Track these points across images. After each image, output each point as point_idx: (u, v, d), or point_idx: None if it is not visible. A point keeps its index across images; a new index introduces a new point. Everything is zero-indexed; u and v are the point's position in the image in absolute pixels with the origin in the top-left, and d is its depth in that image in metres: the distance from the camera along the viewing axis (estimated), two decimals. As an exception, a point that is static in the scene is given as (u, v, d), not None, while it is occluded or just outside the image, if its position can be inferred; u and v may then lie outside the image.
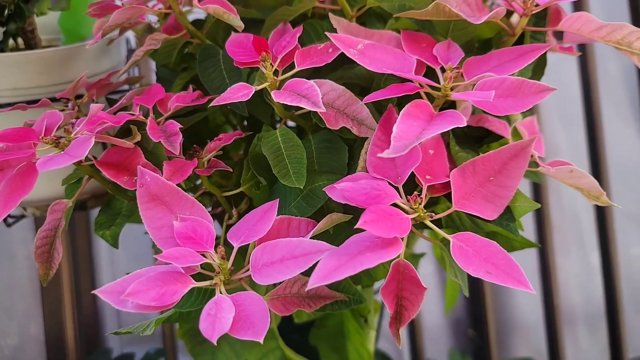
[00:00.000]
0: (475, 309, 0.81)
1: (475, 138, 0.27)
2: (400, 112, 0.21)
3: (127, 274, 0.22)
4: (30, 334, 0.78)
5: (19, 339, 0.76)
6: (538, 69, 0.26)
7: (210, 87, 0.29)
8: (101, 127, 0.23)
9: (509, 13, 0.28)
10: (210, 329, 0.19)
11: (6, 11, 0.40)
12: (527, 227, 0.86)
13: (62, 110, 0.31)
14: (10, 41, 0.42)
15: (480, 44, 0.29)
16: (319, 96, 0.22)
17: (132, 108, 0.27)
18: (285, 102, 0.23)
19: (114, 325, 0.85)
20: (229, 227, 0.28)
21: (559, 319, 0.82)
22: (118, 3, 0.31)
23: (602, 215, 0.84)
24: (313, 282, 0.18)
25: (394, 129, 0.20)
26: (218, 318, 0.19)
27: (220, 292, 0.20)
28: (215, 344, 0.18)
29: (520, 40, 0.27)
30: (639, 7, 0.81)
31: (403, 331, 0.68)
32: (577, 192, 0.90)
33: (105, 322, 0.84)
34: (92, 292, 0.21)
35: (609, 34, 0.24)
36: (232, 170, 0.26)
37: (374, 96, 0.22)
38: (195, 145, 0.26)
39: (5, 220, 0.52)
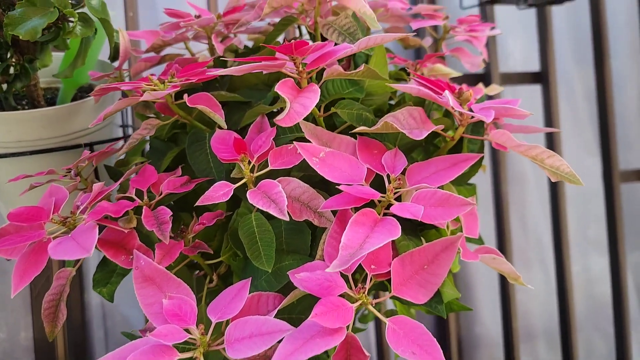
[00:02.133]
0: (441, 327, 0.88)
1: (419, 224, 0.32)
2: (350, 220, 0.26)
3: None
4: (20, 343, 0.82)
5: (10, 348, 0.79)
6: (473, 169, 0.32)
7: (197, 170, 0.33)
8: (100, 216, 0.28)
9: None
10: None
11: (12, 70, 0.44)
12: (489, 243, 0.93)
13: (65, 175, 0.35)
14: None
15: (426, 139, 0.34)
16: (284, 203, 0.27)
17: (128, 189, 0.32)
18: (257, 205, 0.28)
19: (101, 336, 0.89)
20: (209, 290, 0.33)
21: (517, 335, 0.89)
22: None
23: (558, 238, 0.91)
24: (274, 365, 0.24)
25: (343, 237, 0.26)
26: (197, 389, 0.24)
27: (200, 364, 0.25)
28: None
29: (459, 142, 0.32)
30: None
31: (372, 341, 0.73)
32: (540, 216, 0.96)
33: (93, 333, 0.88)
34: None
35: (526, 150, 0.30)
36: (212, 252, 0.31)
37: (331, 203, 0.27)
38: (182, 227, 0.31)
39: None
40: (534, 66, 0.95)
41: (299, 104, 0.28)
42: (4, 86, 0.45)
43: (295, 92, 0.29)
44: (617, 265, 0.93)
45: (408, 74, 0.42)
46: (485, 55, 0.48)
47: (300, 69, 0.30)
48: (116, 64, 0.44)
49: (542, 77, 0.92)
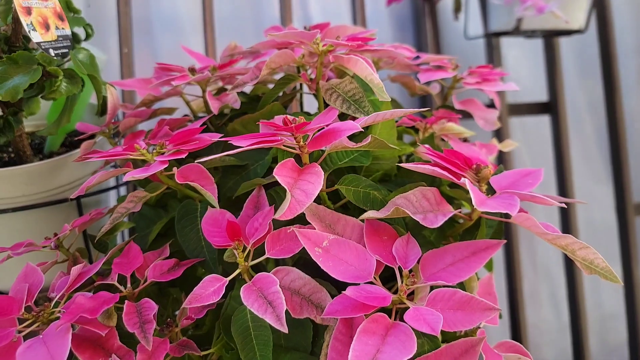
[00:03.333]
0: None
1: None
2: (358, 329, 0.23)
3: None
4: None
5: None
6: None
7: (187, 250, 0.30)
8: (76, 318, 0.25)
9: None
10: None
11: (-4, 126, 0.41)
12: (499, 281, 0.89)
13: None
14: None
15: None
16: (283, 308, 0.24)
17: (110, 274, 0.29)
18: (252, 309, 0.24)
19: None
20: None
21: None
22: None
23: (571, 276, 0.87)
24: None
25: (351, 350, 0.22)
26: None
27: None
28: None
29: (478, 222, 0.29)
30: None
31: None
32: (549, 249, 0.92)
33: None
34: None
35: (553, 239, 0.26)
36: (200, 354, 0.28)
37: (333, 309, 0.24)
38: (168, 320, 0.27)
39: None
40: (542, 96, 0.92)
41: (301, 191, 0.25)
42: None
43: (295, 175, 0.26)
44: (633, 302, 0.89)
45: (417, 132, 0.39)
46: (498, 103, 0.45)
47: (302, 143, 0.27)
48: (104, 119, 0.41)
49: (550, 108, 0.89)
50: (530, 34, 0.72)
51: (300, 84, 0.42)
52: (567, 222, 0.88)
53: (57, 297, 0.27)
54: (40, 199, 0.44)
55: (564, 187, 0.87)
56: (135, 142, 0.31)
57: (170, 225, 0.36)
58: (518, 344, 0.27)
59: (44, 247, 0.35)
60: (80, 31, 0.47)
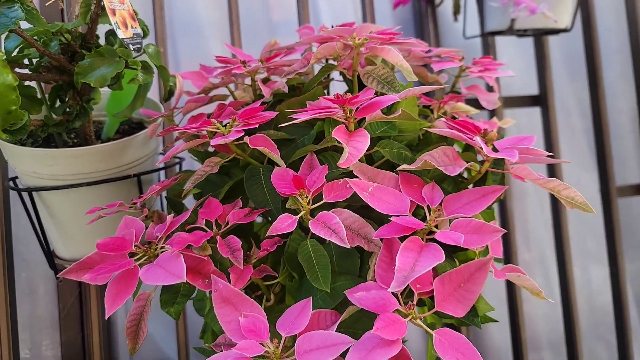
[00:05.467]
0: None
1: (451, 249, 0.37)
2: (400, 247, 0.31)
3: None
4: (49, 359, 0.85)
5: (37, 368, 0.82)
6: (497, 198, 0.37)
7: (255, 202, 0.38)
8: (183, 246, 0.32)
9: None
10: (273, 402, 0.28)
11: (74, 112, 0.48)
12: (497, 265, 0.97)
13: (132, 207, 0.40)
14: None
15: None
16: (344, 233, 0.32)
17: (197, 221, 0.36)
18: (319, 234, 0.32)
19: (125, 351, 0.92)
20: (266, 308, 0.38)
21: (525, 346, 0.93)
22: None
23: (561, 253, 0.95)
24: (344, 373, 0.28)
25: (397, 261, 0.30)
26: (278, 394, 0.28)
27: (276, 373, 0.30)
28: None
29: (485, 175, 0.37)
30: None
31: None
32: (543, 231, 1.02)
33: (119, 348, 0.91)
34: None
35: (544, 183, 0.35)
36: (277, 275, 0.36)
37: (383, 232, 0.32)
38: (248, 252, 0.35)
39: (56, 273, 0.60)
40: (533, 89, 1.01)
41: (354, 147, 0.33)
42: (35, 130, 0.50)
43: (347, 137, 0.34)
44: (617, 277, 0.98)
45: (432, 111, 0.47)
46: (496, 89, 0.53)
47: (348, 114, 0.35)
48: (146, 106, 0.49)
49: (541, 100, 0.97)
50: (522, 33, 0.81)
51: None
52: (556, 204, 0.96)
53: (160, 235, 0.35)
54: (108, 175, 0.52)
55: (553, 173, 0.96)
56: (201, 120, 0.39)
57: (232, 189, 0.43)
58: (517, 267, 0.35)
59: (130, 207, 0.42)
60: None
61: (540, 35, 0.92)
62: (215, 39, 0.93)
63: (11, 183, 0.57)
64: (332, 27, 0.52)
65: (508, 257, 0.94)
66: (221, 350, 0.33)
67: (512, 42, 1.04)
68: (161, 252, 0.34)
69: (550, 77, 0.96)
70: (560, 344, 1.04)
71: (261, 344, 0.31)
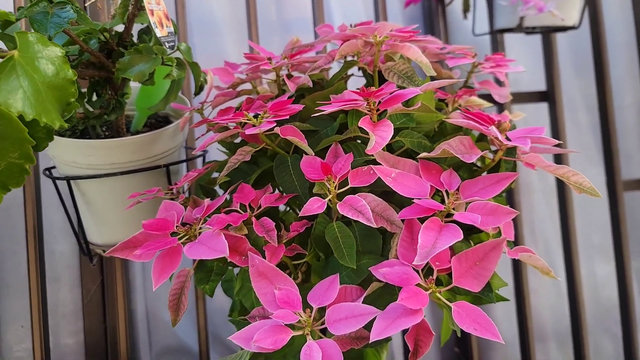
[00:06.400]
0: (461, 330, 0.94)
1: (466, 229, 0.40)
2: (422, 226, 0.34)
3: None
4: (71, 347, 0.88)
5: (60, 353, 0.86)
6: (509, 185, 0.40)
7: (284, 187, 0.41)
8: (223, 225, 0.36)
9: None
10: (308, 363, 0.31)
11: (110, 105, 0.52)
12: (504, 258, 1.00)
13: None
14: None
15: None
16: (370, 213, 0.35)
17: (232, 205, 0.40)
18: (347, 215, 0.35)
19: (145, 338, 0.95)
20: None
21: (531, 336, 0.95)
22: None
23: (568, 246, 0.98)
24: (374, 337, 0.31)
25: (419, 239, 0.33)
26: (313, 356, 0.31)
27: (309, 339, 0.33)
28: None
29: (498, 163, 0.40)
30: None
31: (399, 347, 0.83)
32: (548, 225, 1.05)
33: (138, 335, 0.94)
34: (228, 337, 0.33)
35: (554, 170, 0.37)
36: (306, 254, 0.39)
37: (405, 213, 0.35)
38: (281, 232, 0.38)
39: (90, 259, 0.64)
40: (541, 85, 1.03)
41: (379, 136, 0.36)
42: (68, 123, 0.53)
43: (372, 126, 0.37)
44: (623, 270, 1.00)
45: (447, 105, 0.50)
46: (507, 85, 0.56)
47: (372, 106, 0.38)
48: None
49: (548, 96, 1.00)
50: (531, 30, 0.83)
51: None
52: (563, 197, 0.99)
53: (200, 216, 0.38)
54: (140, 165, 0.55)
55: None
56: (230, 113, 0.42)
57: (260, 176, 0.46)
58: (528, 248, 0.38)
59: (166, 193, 0.46)
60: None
61: (548, 33, 0.94)
62: (230, 35, 0.96)
63: (47, 172, 0.61)
64: (351, 25, 0.55)
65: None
66: (256, 321, 0.36)
67: (520, 39, 1.06)
68: (200, 232, 0.37)
69: (558, 73, 0.98)
70: (566, 336, 1.06)
71: (295, 313, 0.34)
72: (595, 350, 1.14)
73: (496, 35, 0.94)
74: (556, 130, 0.99)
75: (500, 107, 0.94)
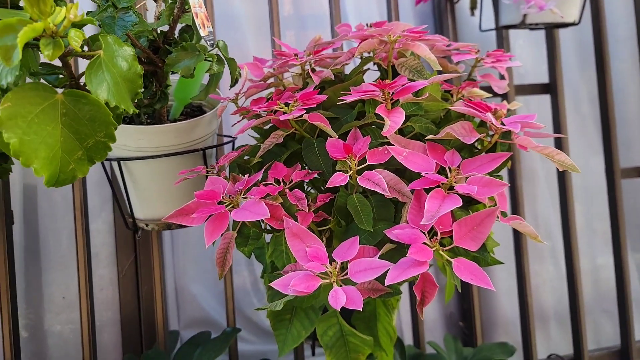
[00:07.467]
0: (466, 306, 1.02)
1: (466, 201, 0.47)
2: (428, 196, 0.41)
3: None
4: (108, 318, 0.97)
5: (99, 323, 0.94)
6: (503, 164, 0.47)
7: (310, 165, 0.48)
8: (263, 194, 0.43)
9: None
10: (335, 304, 0.38)
11: (157, 96, 0.59)
12: (508, 241, 1.07)
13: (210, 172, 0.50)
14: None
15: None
16: (385, 185, 0.42)
17: (267, 179, 0.47)
18: (366, 187, 0.43)
19: (174, 309, 1.04)
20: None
21: (532, 315, 1.02)
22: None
23: (567, 230, 1.04)
24: (388, 281, 0.38)
25: (426, 205, 0.40)
26: (339, 298, 0.39)
27: (335, 285, 0.40)
28: (339, 310, 0.38)
29: (494, 145, 0.47)
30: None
31: (409, 324, 0.94)
32: (550, 211, 1.12)
33: (168, 307, 1.03)
34: (269, 284, 0.41)
35: (541, 150, 0.44)
36: (330, 219, 0.46)
37: (415, 185, 0.42)
38: (309, 202, 0.46)
39: (135, 232, 0.72)
40: (544, 78, 1.09)
41: (393, 121, 0.43)
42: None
43: (387, 113, 0.44)
44: (620, 253, 1.06)
45: (452, 95, 0.57)
46: (507, 77, 0.63)
47: (386, 96, 0.46)
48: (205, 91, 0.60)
49: (550, 88, 1.06)
50: (534, 26, 0.89)
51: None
52: (564, 185, 1.05)
53: (241, 189, 0.45)
54: (182, 148, 0.63)
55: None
56: (261, 102, 0.49)
57: (289, 157, 0.54)
58: (519, 216, 0.45)
59: (208, 171, 0.53)
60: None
61: (550, 29, 1.00)
62: (251, 30, 1.03)
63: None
64: (367, 25, 0.62)
65: (517, 232, 1.02)
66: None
67: (525, 34, 1.12)
68: (242, 202, 0.45)
69: (560, 66, 1.04)
70: (565, 316, 1.12)
71: (323, 265, 0.41)
72: (595, 329, 1.20)
73: (502, 31, 0.99)
74: (557, 121, 1.05)
75: (504, 99, 1.00)
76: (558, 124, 1.04)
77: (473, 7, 0.94)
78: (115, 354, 0.95)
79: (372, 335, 0.62)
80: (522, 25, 0.86)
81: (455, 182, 0.43)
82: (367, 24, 0.63)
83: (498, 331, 1.12)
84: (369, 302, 0.61)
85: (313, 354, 0.82)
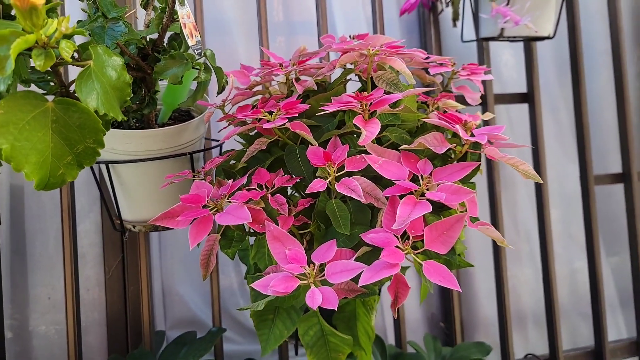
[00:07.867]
0: (446, 307, 1.05)
1: (439, 207, 0.50)
2: (400, 203, 0.44)
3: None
4: (94, 318, 0.98)
5: (84, 323, 0.95)
6: (473, 172, 0.49)
7: (293, 171, 0.51)
8: (246, 199, 0.45)
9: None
10: (312, 303, 0.41)
11: (145, 101, 0.61)
12: (486, 244, 1.10)
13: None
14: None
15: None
16: (361, 191, 0.45)
17: (251, 183, 0.49)
18: (343, 193, 0.45)
19: (161, 311, 1.05)
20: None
21: (509, 316, 1.05)
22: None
23: (543, 235, 1.08)
24: (362, 282, 0.41)
25: (398, 211, 0.43)
26: (315, 298, 0.41)
27: (313, 286, 0.43)
28: (316, 309, 0.40)
29: (465, 154, 0.50)
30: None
31: (391, 324, 0.97)
32: (529, 215, 1.16)
33: (155, 308, 1.04)
34: (250, 285, 0.43)
35: (507, 160, 0.47)
36: (310, 223, 0.49)
37: (388, 192, 0.45)
38: (290, 207, 0.48)
39: (123, 233, 0.74)
40: (524, 88, 1.13)
41: (369, 131, 0.45)
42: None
43: (364, 123, 0.47)
44: (594, 257, 1.10)
45: (428, 106, 0.60)
46: (482, 90, 0.66)
47: (364, 107, 0.48)
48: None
49: (529, 98, 1.10)
50: (512, 38, 0.93)
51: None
52: (540, 192, 1.09)
53: (226, 193, 0.48)
54: (169, 152, 0.65)
55: (538, 162, 1.08)
56: (247, 110, 0.52)
57: (272, 163, 0.56)
58: (487, 222, 0.48)
59: (194, 175, 0.55)
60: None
61: (528, 41, 1.04)
62: (240, 35, 1.05)
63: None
64: (351, 37, 0.65)
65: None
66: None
67: (507, 45, 1.16)
68: (226, 206, 0.47)
69: (537, 77, 1.08)
70: (542, 317, 1.16)
71: (302, 267, 0.44)
72: (572, 331, 1.24)
73: (481, 43, 1.03)
74: (535, 129, 1.09)
75: (484, 108, 1.03)
76: (535, 133, 1.08)
77: (455, 19, 0.98)
78: (100, 354, 0.96)
79: (352, 334, 0.64)
80: (500, 37, 0.90)
81: (426, 189, 0.45)
82: (350, 36, 0.66)
83: (478, 331, 1.16)
84: (349, 303, 0.63)
85: (296, 354, 0.84)
